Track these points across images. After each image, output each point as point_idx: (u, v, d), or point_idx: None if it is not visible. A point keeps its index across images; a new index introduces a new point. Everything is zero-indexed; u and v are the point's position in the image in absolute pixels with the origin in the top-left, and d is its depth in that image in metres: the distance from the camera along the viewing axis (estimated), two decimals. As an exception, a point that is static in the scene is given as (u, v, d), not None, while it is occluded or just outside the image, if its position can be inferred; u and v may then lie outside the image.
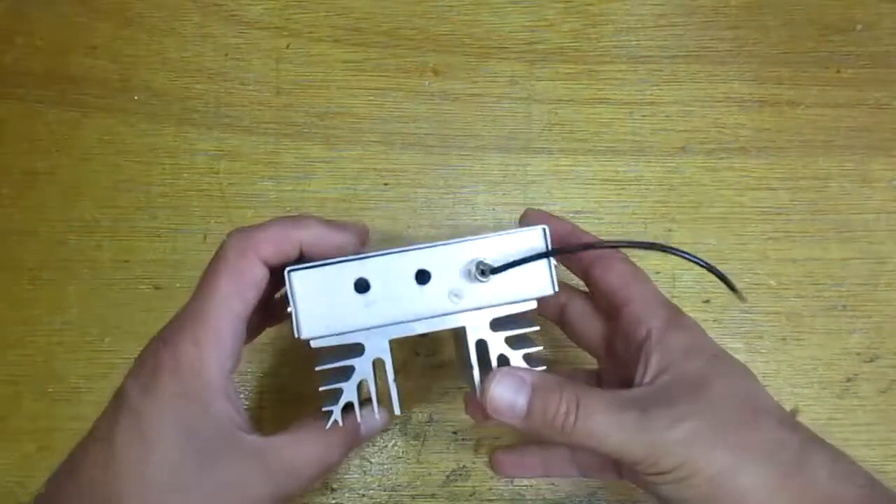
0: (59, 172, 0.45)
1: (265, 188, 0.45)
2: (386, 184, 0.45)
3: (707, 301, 0.43)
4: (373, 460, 0.42)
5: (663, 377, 0.29)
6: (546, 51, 0.46)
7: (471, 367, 0.30)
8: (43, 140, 0.45)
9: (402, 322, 0.29)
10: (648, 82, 0.46)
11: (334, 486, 0.42)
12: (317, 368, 0.30)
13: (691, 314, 0.43)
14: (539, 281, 0.30)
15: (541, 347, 0.31)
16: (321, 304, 0.29)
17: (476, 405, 0.32)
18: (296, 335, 0.29)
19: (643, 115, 0.45)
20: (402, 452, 0.42)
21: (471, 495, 0.42)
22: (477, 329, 0.30)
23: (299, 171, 0.45)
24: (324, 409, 0.30)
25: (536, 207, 0.36)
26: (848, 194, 0.44)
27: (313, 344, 0.29)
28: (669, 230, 0.44)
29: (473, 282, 0.29)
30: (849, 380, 0.43)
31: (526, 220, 0.34)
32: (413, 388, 0.42)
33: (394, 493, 0.42)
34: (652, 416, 0.27)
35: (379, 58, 0.46)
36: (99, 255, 0.44)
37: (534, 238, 0.30)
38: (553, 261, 0.30)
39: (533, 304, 0.30)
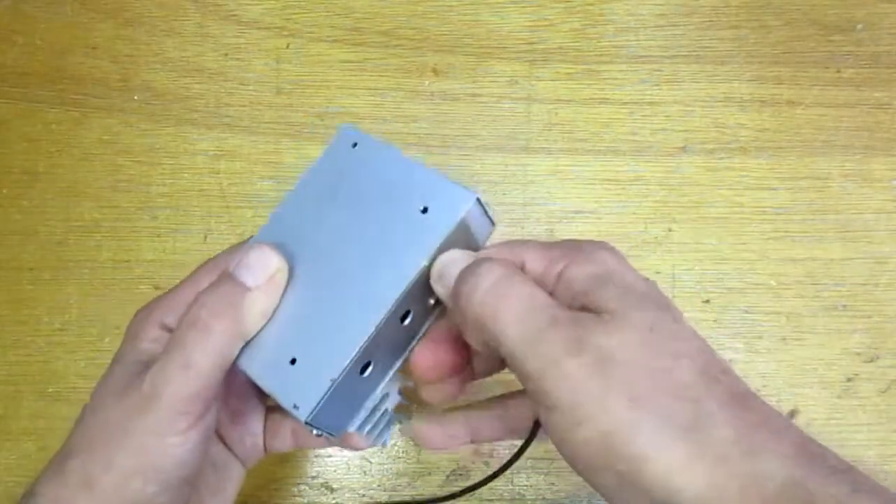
0: (59, 172, 0.45)
1: (265, 188, 0.45)
2: (386, 184, 0.45)
3: (707, 301, 0.43)
4: (373, 460, 0.42)
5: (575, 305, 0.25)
6: (546, 51, 0.46)
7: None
8: (43, 140, 0.45)
9: (406, 352, 0.30)
10: (648, 82, 0.46)
11: (334, 486, 0.42)
12: (362, 434, 0.31)
13: (691, 314, 0.43)
14: (482, 229, 0.28)
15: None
16: (342, 408, 0.28)
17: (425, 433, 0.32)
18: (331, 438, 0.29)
19: (643, 115, 0.45)
20: (402, 452, 0.42)
21: (471, 495, 0.42)
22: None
23: (299, 171, 0.45)
24: (375, 441, 0.32)
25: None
26: (848, 194, 0.44)
27: (350, 430, 0.30)
28: (669, 230, 0.44)
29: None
30: (849, 380, 0.43)
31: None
32: (413, 388, 0.42)
33: (394, 493, 0.42)
34: (563, 332, 0.23)
35: (379, 58, 0.46)
36: (99, 255, 0.44)
37: (473, 212, 0.27)
38: (485, 204, 0.28)
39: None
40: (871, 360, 0.43)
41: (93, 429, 0.27)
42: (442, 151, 0.45)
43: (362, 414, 0.30)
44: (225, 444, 0.33)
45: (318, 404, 0.26)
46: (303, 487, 0.42)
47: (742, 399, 0.22)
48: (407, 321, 0.28)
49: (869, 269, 0.44)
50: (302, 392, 0.26)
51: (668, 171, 0.45)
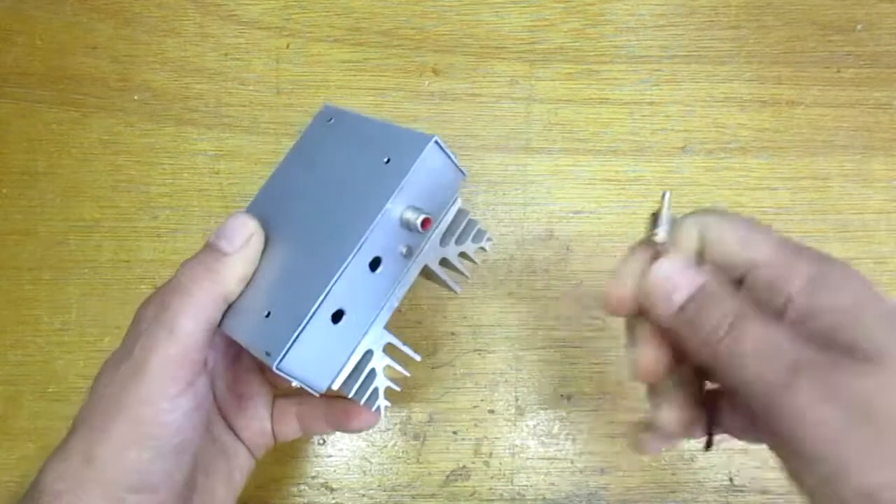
0: (59, 172, 0.45)
1: (265, 188, 0.45)
2: (386, 184, 0.45)
3: (707, 301, 0.43)
4: (373, 460, 0.42)
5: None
6: (546, 51, 0.46)
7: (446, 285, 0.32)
8: (43, 140, 0.45)
9: (384, 307, 0.30)
10: (648, 82, 0.46)
11: (334, 486, 0.42)
12: (349, 395, 0.30)
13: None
14: (449, 177, 0.30)
15: (488, 232, 0.33)
16: (318, 359, 0.28)
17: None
18: (316, 395, 0.29)
19: (643, 115, 0.45)
20: (402, 452, 0.42)
21: (471, 495, 0.42)
22: (434, 255, 0.31)
23: (299, 171, 0.45)
24: (366, 404, 0.31)
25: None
26: (848, 194, 0.44)
27: (335, 387, 0.29)
28: (669, 230, 0.44)
29: (413, 232, 0.29)
30: (849, 380, 0.43)
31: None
32: (413, 388, 0.42)
33: (394, 493, 0.42)
34: (812, 376, 0.21)
35: (378, 58, 0.46)
36: (99, 255, 0.44)
37: (433, 155, 0.29)
38: (446, 149, 0.29)
39: (459, 202, 0.31)
40: (871, 360, 0.43)
41: (92, 405, 0.28)
42: (442, 151, 0.45)
43: (346, 370, 0.29)
44: (233, 431, 0.34)
45: (287, 349, 0.26)
46: (303, 487, 0.42)
47: None
48: (379, 269, 0.29)
49: (869, 270, 0.44)
50: (273, 340, 0.27)
51: (668, 171, 0.45)
